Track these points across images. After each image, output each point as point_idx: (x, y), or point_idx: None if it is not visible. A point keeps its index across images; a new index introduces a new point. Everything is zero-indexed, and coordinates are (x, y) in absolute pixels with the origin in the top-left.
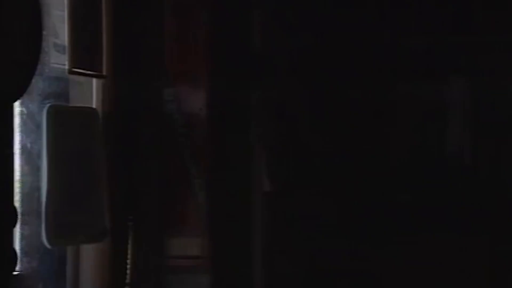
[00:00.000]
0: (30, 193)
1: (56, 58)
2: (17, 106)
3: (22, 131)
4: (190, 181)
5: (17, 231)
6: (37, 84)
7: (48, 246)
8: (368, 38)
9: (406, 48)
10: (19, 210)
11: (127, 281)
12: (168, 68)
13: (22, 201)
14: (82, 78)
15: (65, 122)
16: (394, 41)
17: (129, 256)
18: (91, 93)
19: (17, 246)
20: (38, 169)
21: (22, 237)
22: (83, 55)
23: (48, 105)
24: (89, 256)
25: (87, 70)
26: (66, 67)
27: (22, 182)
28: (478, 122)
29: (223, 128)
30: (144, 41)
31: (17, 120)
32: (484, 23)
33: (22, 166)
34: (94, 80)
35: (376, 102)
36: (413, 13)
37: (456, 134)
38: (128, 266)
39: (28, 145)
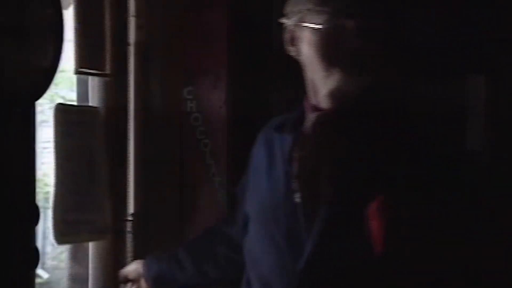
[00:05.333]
0: None
1: None
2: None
3: None
4: (210, 180)
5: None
6: None
7: (56, 244)
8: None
9: (426, 47)
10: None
11: None
12: (187, 66)
13: None
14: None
15: (70, 121)
16: (415, 39)
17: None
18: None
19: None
20: None
21: None
22: (89, 54)
23: (56, 103)
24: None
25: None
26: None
27: None
28: (498, 122)
29: (243, 126)
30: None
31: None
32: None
33: None
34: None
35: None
36: (433, 11)
37: (476, 134)
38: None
39: None
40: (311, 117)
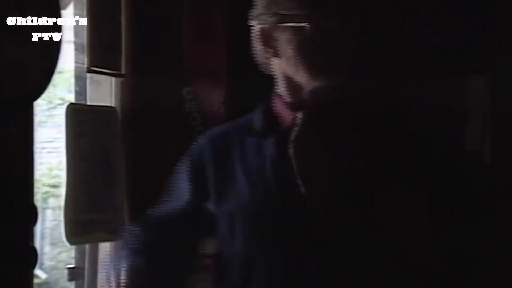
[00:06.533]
0: None
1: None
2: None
3: None
4: None
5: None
6: None
7: (68, 244)
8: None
9: (426, 46)
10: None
11: None
12: (186, 66)
13: None
14: (100, 77)
15: (84, 120)
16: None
17: None
18: (109, 91)
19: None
20: None
21: None
22: (102, 54)
23: (67, 103)
24: (107, 253)
25: (106, 69)
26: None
27: None
28: (497, 122)
29: None
30: (163, 40)
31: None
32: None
33: None
34: (113, 79)
35: (396, 101)
36: (432, 11)
37: (476, 133)
38: None
39: None
40: (289, 115)
